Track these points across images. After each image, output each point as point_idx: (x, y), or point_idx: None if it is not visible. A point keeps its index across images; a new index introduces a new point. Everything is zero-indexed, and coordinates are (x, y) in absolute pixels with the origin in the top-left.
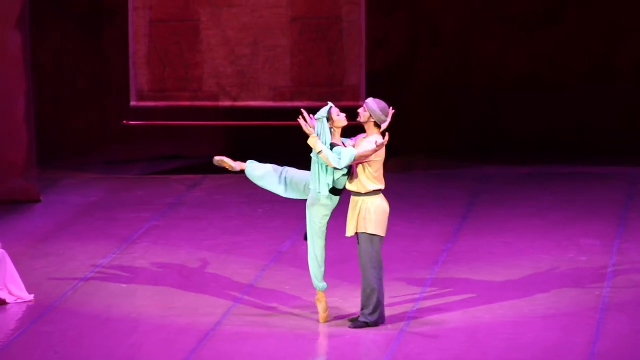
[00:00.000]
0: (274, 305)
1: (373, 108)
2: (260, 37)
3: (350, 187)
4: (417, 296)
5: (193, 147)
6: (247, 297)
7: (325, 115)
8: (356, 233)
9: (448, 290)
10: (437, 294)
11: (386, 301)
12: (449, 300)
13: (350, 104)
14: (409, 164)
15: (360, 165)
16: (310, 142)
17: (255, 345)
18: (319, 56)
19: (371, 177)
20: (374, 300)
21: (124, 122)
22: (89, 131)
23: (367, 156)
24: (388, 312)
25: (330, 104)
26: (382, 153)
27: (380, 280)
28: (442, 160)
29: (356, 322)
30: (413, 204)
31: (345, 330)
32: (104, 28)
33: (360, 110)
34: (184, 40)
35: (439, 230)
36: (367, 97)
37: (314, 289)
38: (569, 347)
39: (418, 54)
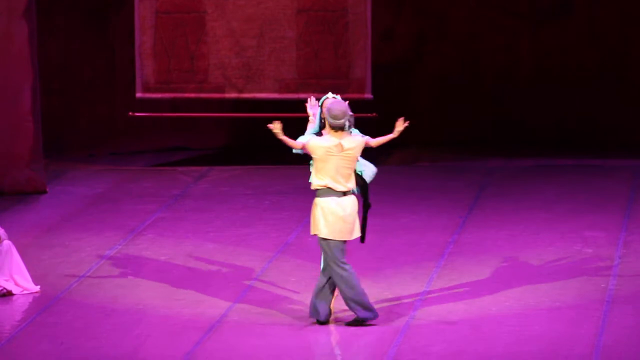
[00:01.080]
0: (280, 297)
1: (326, 113)
2: (265, 29)
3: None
4: (423, 288)
5: (199, 139)
6: (252, 290)
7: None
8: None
9: (454, 282)
10: (443, 286)
11: (392, 293)
12: (454, 292)
13: (356, 96)
14: (415, 157)
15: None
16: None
17: (260, 337)
18: (325, 48)
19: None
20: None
21: (130, 113)
22: (95, 123)
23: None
24: (394, 303)
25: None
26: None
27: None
28: (448, 153)
29: (352, 322)
30: (419, 197)
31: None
32: (110, 20)
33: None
34: (189, 31)
35: (445, 223)
36: (373, 90)
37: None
38: (574, 339)
39: (425, 47)
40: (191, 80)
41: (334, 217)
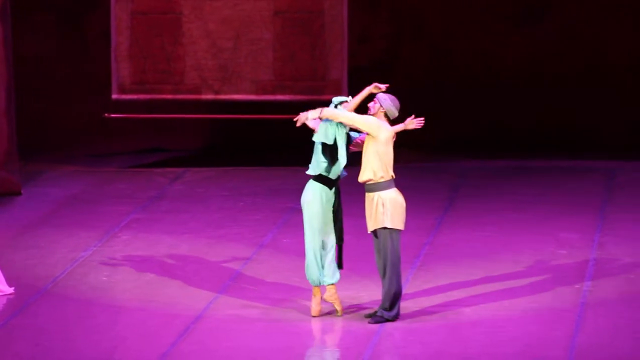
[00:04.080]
0: (255, 298)
1: (388, 104)
2: (242, 31)
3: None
4: None
5: (175, 140)
6: (228, 290)
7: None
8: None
9: (429, 283)
10: (419, 288)
11: (367, 295)
12: (430, 293)
13: (332, 98)
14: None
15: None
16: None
17: (236, 338)
18: (301, 50)
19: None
20: (395, 296)
21: (106, 115)
22: (71, 124)
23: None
24: (369, 305)
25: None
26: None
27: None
28: (424, 154)
29: (375, 317)
30: None
31: (328, 323)
32: (86, 20)
33: (370, 105)
34: (165, 33)
35: (420, 224)
36: (349, 92)
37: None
38: (549, 341)
39: (401, 48)
40: (167, 82)
41: (402, 207)
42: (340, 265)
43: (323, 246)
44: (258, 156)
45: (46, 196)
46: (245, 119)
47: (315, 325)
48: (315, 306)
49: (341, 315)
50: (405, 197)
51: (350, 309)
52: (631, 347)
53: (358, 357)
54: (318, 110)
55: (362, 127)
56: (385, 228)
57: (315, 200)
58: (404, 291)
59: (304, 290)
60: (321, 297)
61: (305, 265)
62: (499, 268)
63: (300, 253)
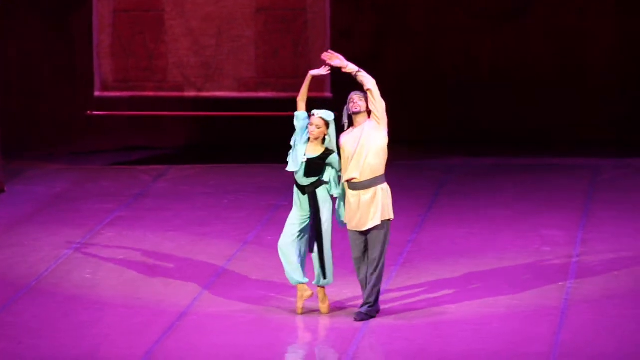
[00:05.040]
0: (239, 295)
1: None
2: (224, 28)
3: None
4: (382, 287)
5: (158, 138)
6: (212, 288)
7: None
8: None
9: (413, 280)
10: (402, 285)
11: (351, 291)
12: (414, 290)
13: (316, 95)
14: None
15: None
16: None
17: (220, 336)
18: (284, 47)
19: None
20: (379, 291)
21: (89, 112)
22: (54, 122)
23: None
24: (353, 302)
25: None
26: None
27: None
28: (408, 151)
29: (361, 315)
30: None
31: (313, 320)
32: (68, 18)
33: (357, 101)
34: (148, 30)
35: (404, 221)
36: (332, 89)
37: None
38: (532, 337)
39: (384, 46)
40: (150, 79)
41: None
42: (324, 275)
43: (300, 248)
44: (241, 153)
45: (29, 194)
46: (228, 116)
47: (300, 322)
48: (299, 304)
49: (326, 313)
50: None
51: (335, 306)
52: (615, 343)
53: (342, 354)
54: (355, 68)
55: (382, 108)
56: (388, 220)
57: (294, 201)
58: (387, 288)
59: (288, 287)
60: (309, 296)
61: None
62: (483, 265)
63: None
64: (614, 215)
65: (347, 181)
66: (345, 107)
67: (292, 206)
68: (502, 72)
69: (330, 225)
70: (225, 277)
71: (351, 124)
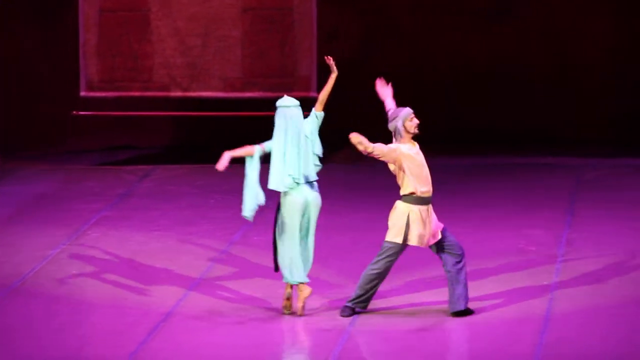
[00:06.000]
0: (225, 295)
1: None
2: (210, 28)
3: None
4: None
5: (144, 138)
6: (198, 288)
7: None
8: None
9: (397, 280)
10: (387, 285)
11: (336, 292)
12: (398, 290)
13: (302, 95)
14: (360, 156)
15: None
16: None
17: (206, 336)
18: (270, 47)
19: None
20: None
21: (74, 112)
22: (40, 122)
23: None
24: (336, 303)
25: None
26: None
27: None
28: None
29: (347, 310)
30: (364, 195)
31: (298, 321)
32: (54, 18)
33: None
34: (134, 30)
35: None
36: (318, 89)
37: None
38: (517, 337)
39: (371, 45)
40: (136, 79)
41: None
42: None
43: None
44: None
45: (15, 194)
46: (214, 116)
47: (285, 322)
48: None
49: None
50: (374, 194)
51: (321, 307)
52: (599, 342)
53: (327, 354)
54: (368, 147)
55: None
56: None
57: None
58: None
59: (274, 287)
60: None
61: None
62: (467, 265)
63: (270, 250)
64: (599, 215)
65: (420, 195)
66: (399, 117)
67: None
68: (491, 72)
69: (282, 221)
70: (211, 278)
71: (397, 138)
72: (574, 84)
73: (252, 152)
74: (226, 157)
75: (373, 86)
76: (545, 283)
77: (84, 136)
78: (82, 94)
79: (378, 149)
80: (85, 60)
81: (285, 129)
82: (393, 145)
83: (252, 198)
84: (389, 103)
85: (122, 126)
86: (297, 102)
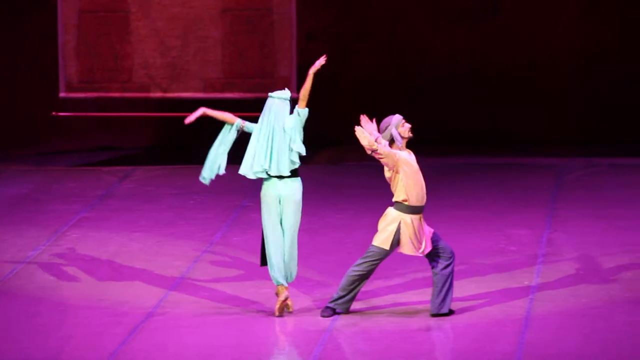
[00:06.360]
0: (205, 296)
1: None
2: (190, 29)
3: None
4: None
5: (124, 138)
6: (178, 289)
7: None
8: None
9: (379, 280)
10: (369, 285)
11: (318, 292)
12: (379, 290)
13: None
14: (342, 156)
15: None
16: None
17: (185, 337)
18: (250, 48)
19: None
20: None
21: (54, 113)
22: (19, 123)
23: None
24: (319, 303)
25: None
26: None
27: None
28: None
29: (328, 311)
30: (346, 196)
31: (279, 320)
32: (33, 19)
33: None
34: (113, 31)
35: (371, 222)
36: (298, 89)
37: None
38: (498, 336)
39: (350, 46)
40: (115, 80)
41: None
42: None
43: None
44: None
45: None
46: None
47: (266, 323)
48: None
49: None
50: (356, 194)
51: (302, 308)
52: (579, 342)
53: (309, 355)
54: (373, 144)
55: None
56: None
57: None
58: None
59: (254, 287)
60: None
61: (295, 263)
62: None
63: (251, 250)
64: (580, 215)
65: (413, 204)
66: (391, 125)
67: (257, 206)
68: (469, 72)
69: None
70: (191, 278)
71: (390, 144)
72: (555, 83)
73: (231, 121)
74: (200, 111)
75: (350, 86)
76: (526, 283)
77: (63, 137)
78: (62, 94)
79: (382, 148)
80: (65, 61)
81: (263, 119)
82: (393, 150)
83: (213, 163)
84: (376, 135)
85: (102, 127)
86: (286, 96)
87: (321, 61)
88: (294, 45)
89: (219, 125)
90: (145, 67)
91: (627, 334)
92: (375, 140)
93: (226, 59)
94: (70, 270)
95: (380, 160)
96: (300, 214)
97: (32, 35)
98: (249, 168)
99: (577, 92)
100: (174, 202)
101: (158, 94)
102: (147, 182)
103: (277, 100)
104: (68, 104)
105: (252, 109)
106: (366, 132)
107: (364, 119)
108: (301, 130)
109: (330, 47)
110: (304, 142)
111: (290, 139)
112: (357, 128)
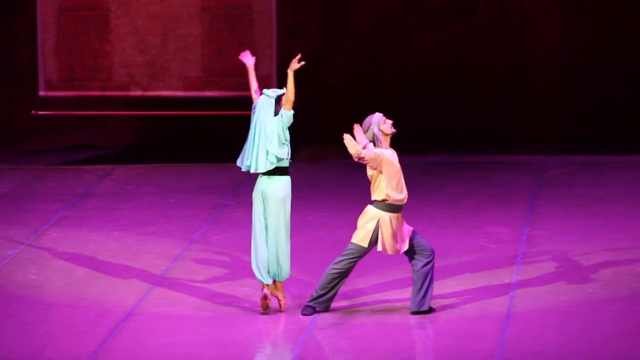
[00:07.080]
0: (186, 295)
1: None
2: (170, 27)
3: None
4: None
5: (104, 137)
6: (158, 288)
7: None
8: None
9: (359, 278)
10: (349, 284)
11: (298, 290)
12: (360, 288)
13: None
14: (323, 154)
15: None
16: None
17: (167, 335)
18: (230, 46)
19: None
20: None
21: (33, 112)
22: None
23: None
24: (299, 302)
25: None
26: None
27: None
28: None
29: (308, 309)
30: (326, 194)
31: (260, 319)
32: (12, 17)
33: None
34: (93, 29)
35: (352, 220)
36: (278, 87)
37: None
38: (478, 334)
39: (330, 44)
40: (95, 78)
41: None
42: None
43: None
44: (187, 153)
45: None
46: (174, 115)
47: (247, 321)
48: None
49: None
50: (336, 193)
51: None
52: (559, 339)
53: (289, 353)
54: (360, 152)
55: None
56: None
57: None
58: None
59: (234, 285)
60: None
61: (288, 261)
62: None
63: (232, 249)
64: (559, 212)
65: (393, 202)
66: (372, 124)
67: (238, 205)
68: (450, 70)
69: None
70: (172, 277)
71: (373, 143)
72: (532, 82)
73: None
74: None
75: (331, 83)
76: (506, 281)
77: (43, 136)
78: (41, 93)
79: (368, 155)
80: (44, 60)
81: (254, 116)
82: (377, 151)
83: (246, 154)
84: (364, 143)
85: (82, 126)
86: (275, 94)
87: (296, 61)
88: (274, 42)
89: (200, 123)
90: (125, 66)
91: (606, 331)
92: (364, 148)
93: (206, 57)
94: (50, 269)
95: (368, 165)
96: (286, 213)
97: (11, 34)
98: (240, 161)
99: (556, 90)
100: (155, 200)
101: (138, 93)
102: (127, 180)
103: (264, 97)
104: (48, 103)
105: (232, 108)
106: (354, 141)
107: (357, 128)
108: (285, 132)
109: (311, 45)
110: (291, 144)
111: (268, 141)
112: (345, 136)
